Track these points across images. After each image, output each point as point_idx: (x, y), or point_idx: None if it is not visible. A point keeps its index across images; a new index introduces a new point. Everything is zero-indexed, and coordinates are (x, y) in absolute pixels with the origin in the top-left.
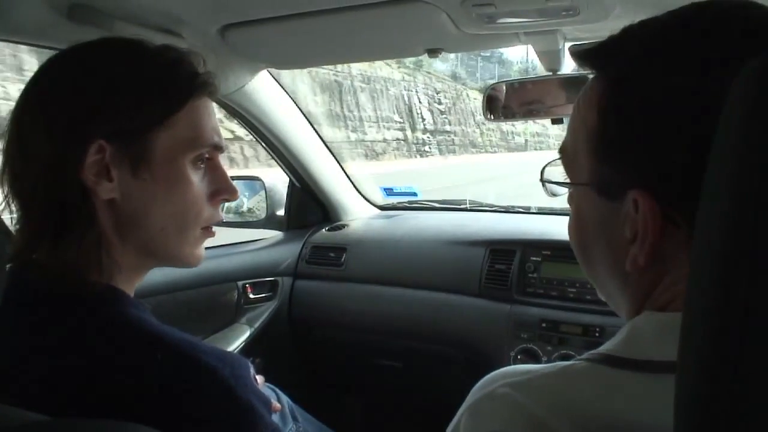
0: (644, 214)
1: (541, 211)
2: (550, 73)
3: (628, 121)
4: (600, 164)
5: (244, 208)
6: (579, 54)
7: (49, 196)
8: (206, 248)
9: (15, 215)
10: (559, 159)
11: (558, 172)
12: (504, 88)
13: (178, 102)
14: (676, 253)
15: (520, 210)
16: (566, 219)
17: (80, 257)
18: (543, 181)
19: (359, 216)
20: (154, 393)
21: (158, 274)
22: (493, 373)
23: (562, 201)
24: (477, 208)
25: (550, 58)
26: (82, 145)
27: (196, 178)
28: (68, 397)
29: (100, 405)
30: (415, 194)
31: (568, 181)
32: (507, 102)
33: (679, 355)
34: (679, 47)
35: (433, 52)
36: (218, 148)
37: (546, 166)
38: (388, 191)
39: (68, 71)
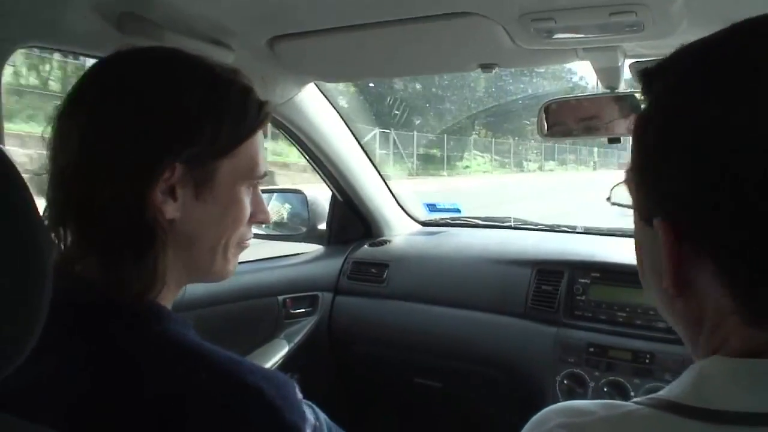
0: (664, 243)
1: (588, 231)
2: (608, 91)
3: (648, 148)
4: (636, 188)
5: (285, 221)
6: (638, 73)
7: (118, 213)
8: (247, 262)
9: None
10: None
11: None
12: (560, 105)
13: (248, 132)
14: (706, 287)
15: (566, 229)
16: (612, 239)
17: (138, 275)
18: (611, 202)
19: (401, 232)
20: (197, 413)
21: (198, 288)
22: (546, 410)
23: (607, 221)
24: (522, 226)
25: (609, 75)
26: (160, 165)
27: (248, 203)
28: (109, 415)
29: (141, 424)
30: (458, 210)
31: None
32: (563, 119)
33: None
34: (708, 77)
35: (486, 67)
36: (265, 177)
37: (614, 186)
38: (431, 207)
39: (147, 85)
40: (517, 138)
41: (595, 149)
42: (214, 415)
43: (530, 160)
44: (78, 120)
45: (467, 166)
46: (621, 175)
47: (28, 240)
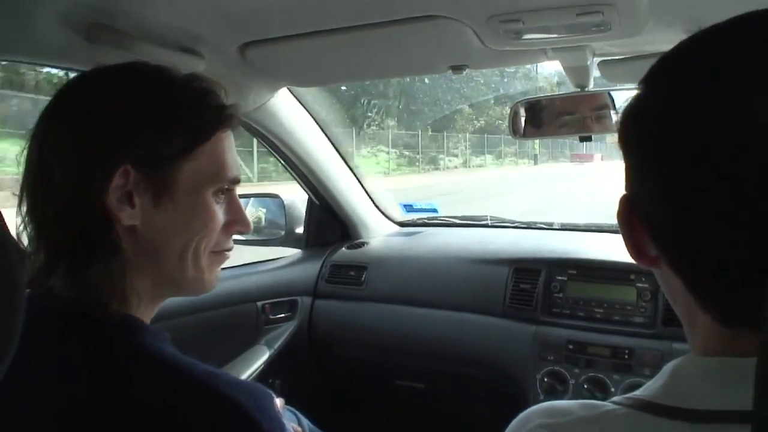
0: (618, 214)
1: (564, 227)
2: (578, 90)
3: (624, 132)
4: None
5: (263, 225)
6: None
7: (72, 220)
8: (225, 268)
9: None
10: None
11: None
12: (531, 104)
13: (206, 134)
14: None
15: (543, 226)
16: (589, 236)
17: (104, 285)
18: None
19: (379, 233)
20: (174, 428)
21: (177, 296)
22: (528, 411)
23: (584, 217)
24: (499, 224)
25: (579, 74)
26: (109, 169)
27: (217, 209)
28: (87, 429)
29: None
30: (435, 210)
31: None
32: (534, 119)
33: (756, 404)
34: (702, 79)
35: (457, 69)
36: (237, 182)
37: None
38: (408, 207)
39: (97, 94)
40: (428, 128)
41: (537, 139)
42: (192, 430)
43: (456, 155)
44: (36, 134)
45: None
46: (572, 168)
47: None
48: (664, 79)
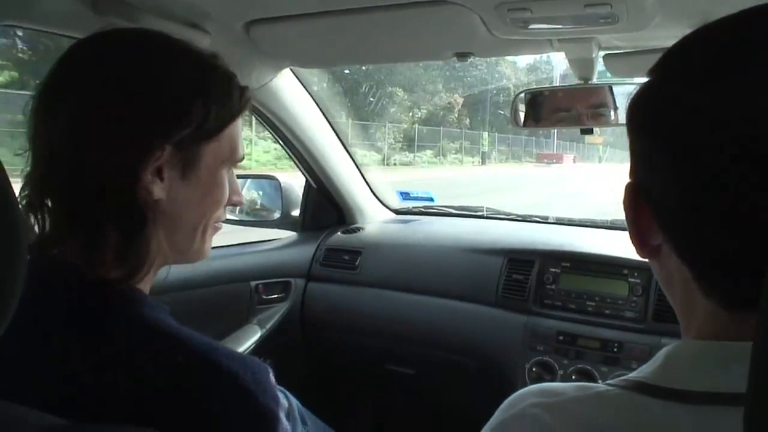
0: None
1: (560, 221)
2: (581, 82)
3: (633, 118)
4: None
5: (259, 207)
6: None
7: (109, 193)
8: (220, 247)
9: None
10: None
11: None
12: (533, 95)
13: (233, 117)
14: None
15: (538, 219)
16: (583, 230)
17: (125, 256)
18: None
19: (375, 219)
20: (173, 397)
21: (171, 272)
22: (522, 391)
23: (579, 212)
24: (494, 215)
25: (583, 67)
26: (152, 146)
27: (227, 185)
28: (85, 399)
29: (117, 408)
30: (431, 199)
31: None
32: (536, 109)
33: (752, 386)
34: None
35: (462, 56)
36: (242, 160)
37: None
38: (405, 195)
39: (138, 70)
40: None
41: (485, 133)
42: (189, 399)
43: (380, 149)
44: (66, 101)
45: None
46: (537, 171)
47: (4, 221)
48: (676, 68)
